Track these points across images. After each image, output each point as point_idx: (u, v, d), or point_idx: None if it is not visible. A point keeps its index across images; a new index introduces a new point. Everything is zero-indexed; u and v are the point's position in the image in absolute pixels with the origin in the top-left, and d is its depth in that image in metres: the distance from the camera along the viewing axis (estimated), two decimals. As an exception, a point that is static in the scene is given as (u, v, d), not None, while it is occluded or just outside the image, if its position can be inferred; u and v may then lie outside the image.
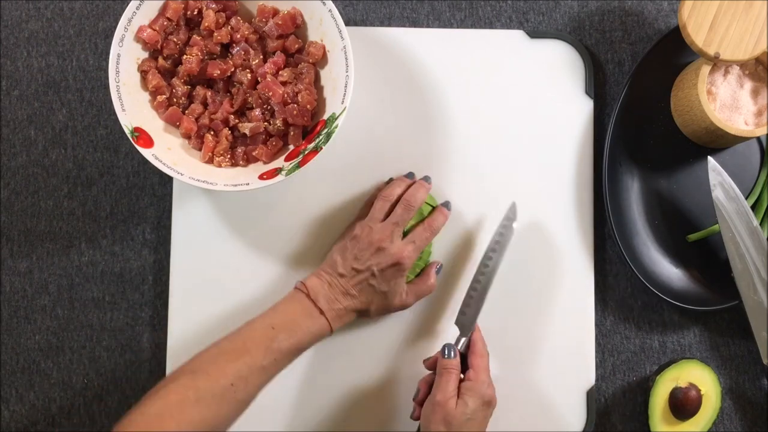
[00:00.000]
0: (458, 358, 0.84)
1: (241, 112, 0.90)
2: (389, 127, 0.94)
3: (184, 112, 0.89)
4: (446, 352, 0.84)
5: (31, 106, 0.96)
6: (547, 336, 0.91)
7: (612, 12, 0.97)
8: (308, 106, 0.88)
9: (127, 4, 0.85)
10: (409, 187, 0.89)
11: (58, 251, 0.94)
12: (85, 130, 0.96)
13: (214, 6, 0.89)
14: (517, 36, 0.95)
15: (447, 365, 0.83)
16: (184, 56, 0.88)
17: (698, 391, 0.89)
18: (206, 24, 0.88)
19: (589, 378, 0.91)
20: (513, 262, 0.92)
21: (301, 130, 0.89)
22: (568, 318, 0.92)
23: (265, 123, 0.89)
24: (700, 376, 0.90)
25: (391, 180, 0.92)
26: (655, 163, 0.93)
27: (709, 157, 0.89)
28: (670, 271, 0.92)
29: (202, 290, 0.92)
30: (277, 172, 0.86)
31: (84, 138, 0.95)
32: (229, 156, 0.89)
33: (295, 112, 0.87)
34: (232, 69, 0.89)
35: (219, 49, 0.89)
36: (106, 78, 0.95)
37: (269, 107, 0.89)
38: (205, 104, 0.90)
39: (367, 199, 0.92)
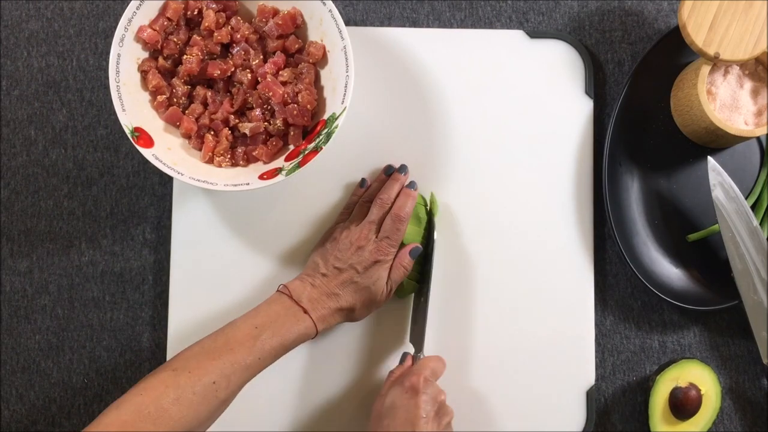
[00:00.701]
0: (407, 365, 0.84)
1: (241, 112, 0.90)
2: (389, 127, 0.94)
3: (184, 112, 0.89)
4: (401, 360, 0.86)
5: (31, 106, 0.96)
6: (547, 336, 0.91)
7: (612, 12, 0.97)
8: (308, 106, 0.88)
9: (127, 4, 0.85)
10: (383, 184, 0.90)
11: (58, 251, 0.94)
12: (85, 130, 0.96)
13: (214, 6, 0.89)
14: (517, 36, 0.95)
15: (393, 370, 0.85)
16: (184, 56, 0.88)
17: (698, 390, 0.89)
18: (206, 24, 0.88)
19: (589, 378, 0.91)
20: (513, 261, 0.92)
21: (301, 130, 0.89)
22: (567, 318, 0.92)
23: (265, 123, 0.89)
24: (700, 376, 0.90)
25: (363, 180, 0.92)
26: (655, 163, 0.93)
27: (709, 157, 0.89)
28: (670, 271, 0.92)
29: (202, 290, 0.92)
30: (277, 172, 0.86)
31: (84, 138, 0.96)
32: (229, 156, 0.89)
33: (295, 112, 0.87)
34: (232, 69, 0.89)
35: (219, 49, 0.89)
36: (106, 78, 0.95)
37: (269, 107, 0.89)
38: (205, 104, 0.90)
39: (347, 203, 0.92)
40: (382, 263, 0.86)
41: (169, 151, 0.87)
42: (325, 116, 0.88)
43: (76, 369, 0.93)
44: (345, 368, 0.91)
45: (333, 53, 0.88)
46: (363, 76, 0.91)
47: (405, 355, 0.87)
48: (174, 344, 0.91)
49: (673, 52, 0.93)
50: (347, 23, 0.91)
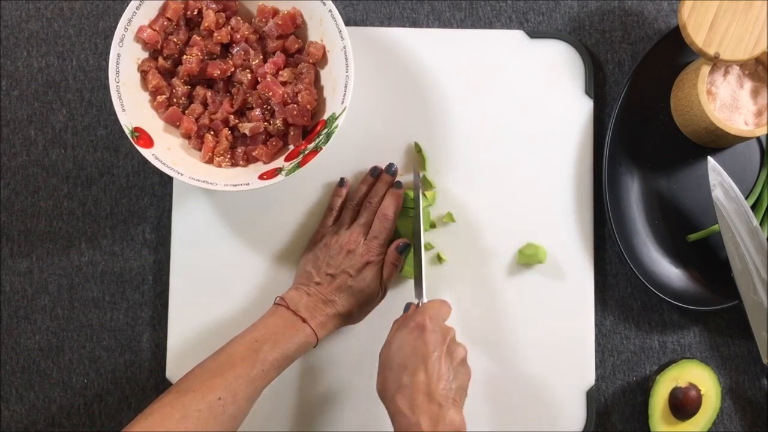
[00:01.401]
0: (411, 312, 0.82)
1: (241, 112, 0.90)
2: (389, 127, 0.94)
3: (184, 112, 0.89)
4: (405, 310, 0.85)
5: (31, 106, 0.96)
6: (547, 336, 0.91)
7: (612, 12, 0.97)
8: (308, 106, 0.88)
9: (127, 4, 0.85)
10: (371, 186, 0.90)
11: (58, 251, 0.94)
12: (85, 130, 0.96)
13: (214, 6, 0.89)
14: (517, 36, 0.95)
15: (398, 319, 0.83)
16: (184, 56, 0.88)
17: (698, 391, 0.89)
18: (206, 24, 0.88)
19: (589, 378, 0.91)
20: (512, 261, 0.92)
21: (301, 130, 0.89)
22: (568, 318, 0.92)
23: (265, 123, 0.89)
24: (700, 376, 0.90)
25: (342, 180, 0.92)
26: (655, 163, 0.93)
27: (709, 157, 0.89)
28: (670, 271, 0.92)
29: (202, 290, 0.92)
30: (277, 172, 0.86)
31: (84, 138, 0.96)
32: (229, 156, 0.89)
33: (295, 112, 0.87)
34: (232, 69, 0.89)
35: (219, 49, 0.89)
36: (106, 78, 0.95)
37: (269, 107, 0.89)
38: (205, 104, 0.90)
39: (329, 204, 0.92)
40: (373, 264, 0.86)
41: (169, 151, 0.87)
42: (325, 116, 0.88)
43: (76, 369, 0.93)
44: (348, 364, 0.91)
45: (333, 53, 0.88)
46: (363, 76, 0.91)
47: (408, 305, 0.85)
48: (174, 344, 0.91)
49: (673, 52, 0.93)
50: (347, 23, 0.91)
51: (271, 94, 0.87)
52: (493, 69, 0.94)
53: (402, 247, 0.88)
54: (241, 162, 0.89)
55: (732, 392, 0.93)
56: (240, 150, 0.89)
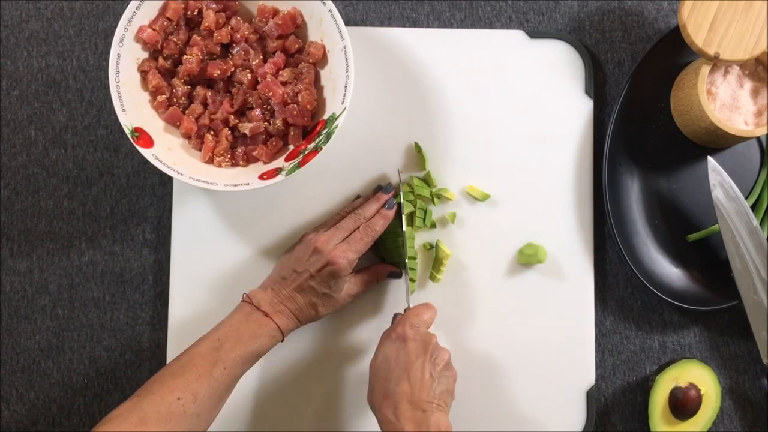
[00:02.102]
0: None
1: (241, 112, 0.90)
2: (389, 127, 0.94)
3: (184, 112, 0.89)
4: (393, 320, 0.87)
5: (31, 106, 0.96)
6: (547, 336, 0.91)
7: (612, 12, 0.97)
8: (308, 106, 0.88)
9: (127, 4, 0.85)
10: (365, 201, 0.90)
11: (58, 251, 0.94)
12: (85, 130, 0.96)
13: (214, 6, 0.89)
14: (517, 36, 0.95)
15: (386, 330, 0.85)
16: (184, 56, 0.88)
17: (698, 390, 0.89)
18: (206, 24, 0.88)
19: (589, 378, 0.91)
20: (513, 261, 0.92)
21: (301, 130, 0.89)
22: (568, 318, 0.92)
23: (265, 123, 0.89)
24: (700, 376, 0.90)
25: (358, 197, 0.92)
26: (655, 163, 0.93)
27: (709, 157, 0.89)
28: (670, 271, 0.92)
29: (202, 290, 0.92)
30: (277, 172, 0.86)
31: (84, 138, 0.96)
32: (229, 156, 0.89)
33: (295, 112, 0.87)
34: (232, 69, 0.89)
35: (219, 49, 0.89)
36: (106, 78, 0.95)
37: (269, 107, 0.89)
38: (205, 104, 0.90)
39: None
40: (334, 269, 0.84)
41: (169, 151, 0.87)
42: (325, 116, 0.88)
43: (76, 369, 0.93)
44: (342, 358, 0.92)
45: (333, 53, 0.88)
46: (363, 76, 0.91)
47: (396, 315, 0.87)
48: (174, 344, 0.91)
49: (673, 52, 0.93)
50: (347, 23, 0.91)
51: (271, 94, 0.87)
52: (493, 69, 0.94)
53: (392, 274, 0.90)
54: (241, 162, 0.89)
55: (732, 392, 0.93)
56: (240, 150, 0.89)
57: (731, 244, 0.87)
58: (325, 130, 0.86)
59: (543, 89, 0.94)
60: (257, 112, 0.88)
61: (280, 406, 0.91)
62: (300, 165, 0.85)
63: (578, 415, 0.91)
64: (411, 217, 0.91)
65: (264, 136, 0.89)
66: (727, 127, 0.86)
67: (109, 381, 0.93)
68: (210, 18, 0.88)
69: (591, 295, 0.92)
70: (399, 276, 0.91)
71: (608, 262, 0.94)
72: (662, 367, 0.91)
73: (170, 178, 0.94)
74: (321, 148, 0.85)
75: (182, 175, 0.84)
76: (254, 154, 0.88)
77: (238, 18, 0.90)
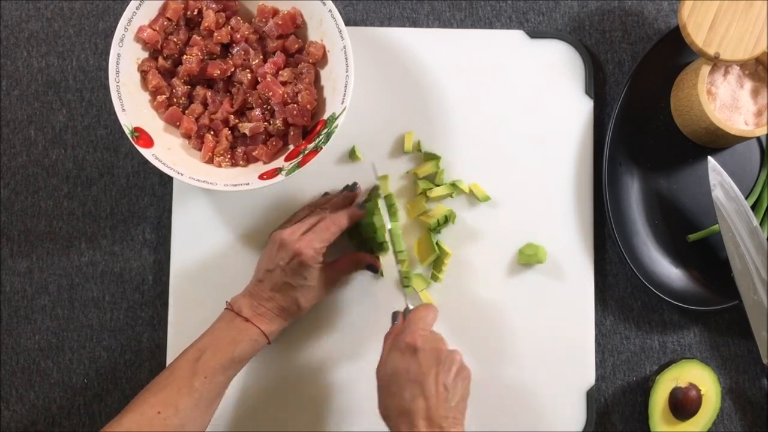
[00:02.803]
0: (399, 324, 0.83)
1: (241, 112, 0.90)
2: (389, 127, 0.94)
3: (184, 112, 0.89)
4: (392, 320, 0.85)
5: (31, 106, 0.96)
6: (547, 336, 0.91)
7: (612, 12, 0.97)
8: (308, 106, 0.88)
9: (127, 4, 0.85)
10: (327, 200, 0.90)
11: (58, 251, 0.94)
12: (85, 130, 0.96)
13: (214, 6, 0.89)
14: (517, 36, 0.95)
15: (387, 332, 0.83)
16: (184, 56, 0.88)
17: (698, 391, 0.89)
18: (206, 24, 0.88)
19: (589, 378, 0.91)
20: (513, 261, 0.92)
21: (301, 130, 0.89)
22: (568, 318, 0.92)
23: (265, 123, 0.89)
24: (700, 376, 0.90)
25: (326, 194, 0.92)
26: (655, 163, 0.93)
27: (709, 157, 0.89)
28: (670, 271, 0.92)
29: (202, 290, 0.92)
30: (277, 172, 0.86)
31: (84, 138, 0.96)
32: (229, 156, 0.89)
33: (295, 112, 0.87)
34: (232, 69, 0.89)
35: (219, 49, 0.89)
36: (106, 78, 0.95)
37: (269, 107, 0.89)
38: (205, 104, 0.90)
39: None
40: (301, 259, 0.83)
41: (169, 151, 0.87)
42: (325, 116, 0.88)
43: (76, 369, 0.93)
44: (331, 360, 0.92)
45: (333, 53, 0.88)
46: (363, 76, 0.91)
47: (395, 314, 0.86)
48: (174, 344, 0.91)
49: (673, 52, 0.93)
50: (347, 23, 0.91)
51: (271, 94, 0.87)
52: (493, 69, 0.94)
53: (370, 266, 0.90)
54: (241, 162, 0.89)
55: (732, 392, 0.93)
56: (240, 150, 0.89)
57: (731, 244, 0.87)
58: (325, 130, 0.86)
59: (543, 89, 0.94)
60: (257, 112, 0.88)
61: (275, 406, 0.91)
62: (300, 165, 0.85)
63: (578, 415, 0.91)
64: (391, 209, 0.91)
65: (264, 136, 0.89)
66: (727, 127, 0.86)
67: (109, 381, 0.93)
68: (210, 18, 0.88)
69: (591, 295, 0.92)
70: (376, 270, 0.90)
71: (608, 262, 0.94)
72: (662, 368, 0.91)
73: (170, 178, 0.94)
74: (321, 148, 0.85)
75: (182, 175, 0.84)
76: (254, 154, 0.88)
77: (238, 18, 0.90)
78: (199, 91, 0.90)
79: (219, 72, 0.88)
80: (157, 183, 0.95)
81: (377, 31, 0.95)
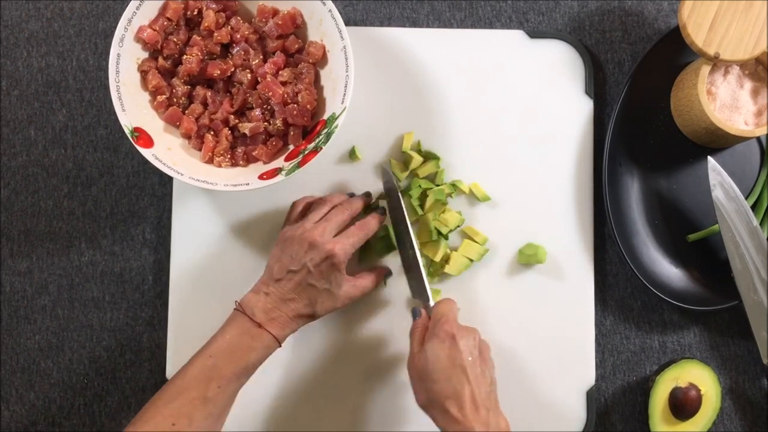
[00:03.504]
0: (424, 317, 0.84)
1: (241, 112, 0.90)
2: (389, 127, 0.94)
3: (184, 112, 0.89)
4: (414, 315, 0.85)
5: (31, 106, 0.96)
6: (547, 336, 0.91)
7: (612, 12, 0.97)
8: (308, 106, 0.88)
9: (127, 4, 0.85)
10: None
11: (58, 251, 0.94)
12: (85, 130, 0.96)
13: (214, 6, 0.89)
14: (517, 36, 0.95)
15: (413, 326, 0.84)
16: (184, 56, 0.88)
17: (698, 391, 0.89)
18: (206, 24, 0.88)
19: (589, 378, 0.91)
20: (513, 261, 0.92)
21: (301, 130, 0.89)
22: (568, 318, 0.92)
23: (265, 123, 0.89)
24: (700, 376, 0.90)
25: (352, 194, 0.91)
26: (655, 163, 0.93)
27: (709, 157, 0.89)
28: (670, 271, 0.92)
29: (202, 290, 0.92)
30: (277, 172, 0.86)
31: (84, 138, 0.96)
32: (229, 156, 0.89)
33: (295, 112, 0.87)
34: (232, 69, 0.89)
35: (219, 49, 0.89)
36: (106, 78, 0.95)
37: (269, 107, 0.89)
38: (205, 104, 0.90)
39: (294, 202, 0.90)
40: (333, 261, 0.82)
41: (169, 151, 0.87)
42: (325, 116, 0.88)
43: (76, 369, 0.93)
44: (348, 354, 0.92)
45: (333, 53, 0.88)
46: (363, 76, 0.91)
47: (417, 309, 0.86)
48: (174, 344, 0.91)
49: (673, 52, 0.93)
50: (347, 23, 0.91)
51: (271, 94, 0.87)
52: (493, 69, 0.94)
53: (386, 275, 0.91)
54: (241, 162, 0.89)
55: (732, 392, 0.93)
56: (240, 150, 0.89)
57: (731, 244, 0.87)
58: (325, 130, 0.86)
59: (543, 89, 0.94)
60: (257, 112, 0.88)
61: (285, 406, 0.91)
62: (300, 165, 0.85)
63: (578, 415, 0.91)
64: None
65: (264, 136, 0.89)
66: (727, 127, 0.86)
67: (109, 381, 0.93)
68: (210, 18, 0.88)
69: (591, 295, 0.92)
70: (391, 274, 0.91)
71: (608, 262, 0.94)
72: (662, 367, 0.91)
73: (170, 178, 0.94)
74: (321, 148, 0.85)
75: (182, 175, 0.84)
76: (254, 154, 0.88)
77: (238, 18, 0.90)
78: (199, 91, 0.90)
79: (219, 72, 0.88)
80: (157, 183, 0.95)
81: (377, 31, 0.95)
